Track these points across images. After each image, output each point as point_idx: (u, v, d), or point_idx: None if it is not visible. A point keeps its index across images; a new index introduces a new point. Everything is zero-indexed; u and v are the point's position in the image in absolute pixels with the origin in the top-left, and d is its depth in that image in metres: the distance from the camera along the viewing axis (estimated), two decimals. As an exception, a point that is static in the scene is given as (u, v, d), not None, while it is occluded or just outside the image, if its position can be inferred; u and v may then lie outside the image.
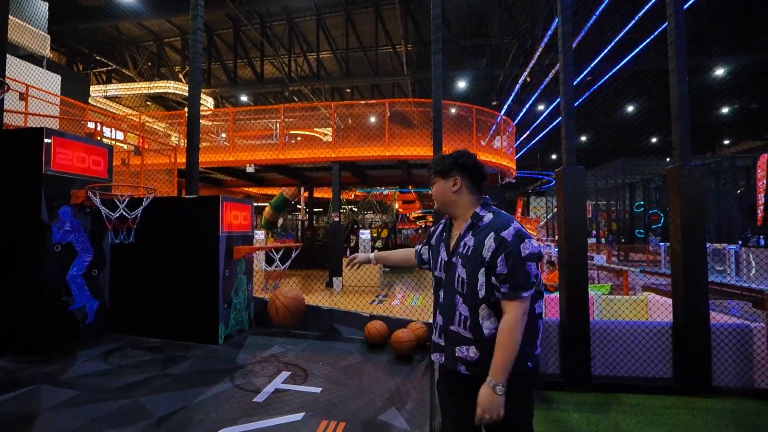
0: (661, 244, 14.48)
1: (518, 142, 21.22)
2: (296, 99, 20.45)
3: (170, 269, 3.45)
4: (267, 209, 16.23)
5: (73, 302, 3.25)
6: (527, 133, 18.73)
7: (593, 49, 12.59)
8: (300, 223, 17.42)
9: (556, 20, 3.79)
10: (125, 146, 9.57)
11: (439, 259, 1.50)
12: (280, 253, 3.87)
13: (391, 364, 3.06)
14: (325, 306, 3.85)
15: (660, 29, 9.96)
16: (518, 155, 22.82)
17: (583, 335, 3.46)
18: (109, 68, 17.97)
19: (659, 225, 18.82)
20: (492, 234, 1.35)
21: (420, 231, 38.83)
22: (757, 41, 12.45)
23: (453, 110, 11.11)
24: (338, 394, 2.48)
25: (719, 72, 14.79)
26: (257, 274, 10.78)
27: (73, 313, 3.25)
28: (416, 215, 36.25)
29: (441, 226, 1.58)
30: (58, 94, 9.92)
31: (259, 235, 14.37)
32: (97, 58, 17.12)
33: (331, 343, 3.52)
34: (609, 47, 11.09)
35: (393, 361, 3.14)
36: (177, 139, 13.47)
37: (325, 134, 13.40)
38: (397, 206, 27.28)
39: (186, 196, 3.44)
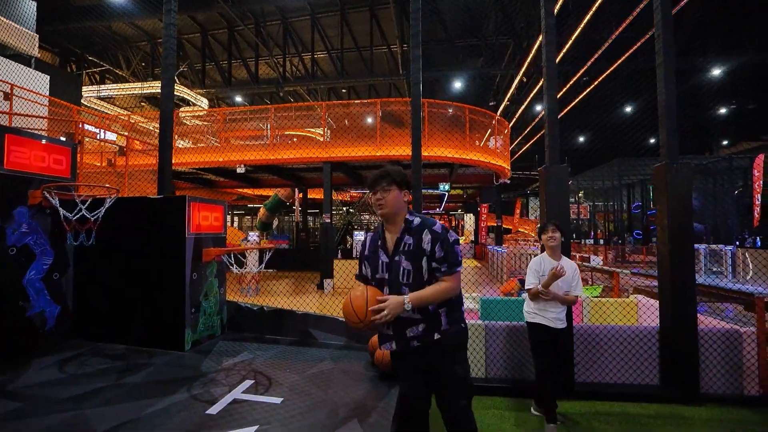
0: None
1: (515, 142, 21.11)
2: (292, 99, 20.35)
3: (136, 272, 3.31)
4: (261, 210, 16.10)
5: (31, 307, 3.10)
6: (524, 133, 18.60)
7: (591, 47, 12.47)
8: (294, 224, 17.28)
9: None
10: (118, 147, 9.45)
11: (380, 263, 1.79)
12: (253, 254, 3.73)
13: (362, 371, 2.93)
14: (299, 310, 3.71)
15: (651, 32, 9.82)
16: (516, 156, 22.72)
17: (568, 340, 3.32)
18: (103, 68, 17.87)
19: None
20: (426, 230, 1.73)
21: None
22: (751, 42, 12.34)
23: (449, 110, 10.99)
24: (300, 405, 2.35)
25: (716, 72, 14.66)
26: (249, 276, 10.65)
27: (31, 319, 3.11)
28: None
29: (369, 237, 1.90)
30: (47, 94, 9.81)
31: (253, 236, 14.26)
32: (90, 58, 17.01)
33: (304, 349, 3.38)
34: (605, 47, 10.95)
35: (365, 367, 3.01)
36: (175, 139, 13.36)
37: (321, 135, 13.30)
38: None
39: (151, 197, 3.31)
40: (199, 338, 3.37)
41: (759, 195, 10.64)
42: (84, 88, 16.39)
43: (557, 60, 11.14)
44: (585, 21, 10.11)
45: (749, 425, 2.89)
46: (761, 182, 10.61)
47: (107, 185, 2.98)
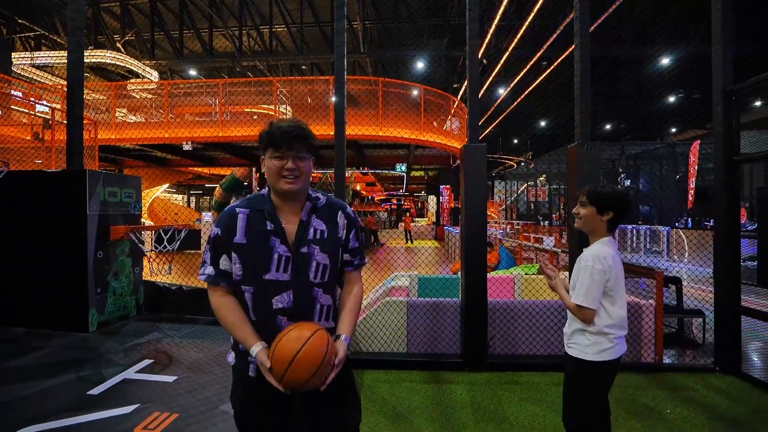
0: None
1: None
2: (251, 75, 19.51)
3: (35, 251, 3.11)
4: (217, 190, 15.57)
5: None
6: (485, 116, 18.81)
7: (547, 32, 12.64)
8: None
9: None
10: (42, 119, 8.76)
11: (275, 257, 1.22)
12: (169, 233, 3.60)
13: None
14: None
15: (604, 16, 10.06)
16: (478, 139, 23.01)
17: (481, 315, 3.45)
18: (38, 34, 16.35)
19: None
20: (340, 213, 1.34)
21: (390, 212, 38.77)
22: (696, 33, 12.90)
23: (405, 90, 10.90)
24: (192, 383, 2.31)
25: (665, 61, 15.29)
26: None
27: None
28: (381, 198, 36.26)
29: (242, 215, 1.26)
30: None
31: (208, 216, 13.82)
32: (21, 22, 15.48)
33: (221, 328, 3.32)
34: (555, 34, 11.11)
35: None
36: (123, 114, 12.54)
37: (284, 113, 12.86)
38: (358, 188, 27.03)
39: (48, 170, 3.09)
40: (107, 319, 3.24)
41: (693, 179, 11.30)
42: (16, 54, 15.01)
43: (512, 45, 11.12)
44: (539, 5, 10.19)
45: (638, 390, 3.13)
46: (696, 167, 11.27)
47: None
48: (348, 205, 1.41)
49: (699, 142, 11.16)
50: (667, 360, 3.76)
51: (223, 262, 1.26)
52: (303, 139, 1.24)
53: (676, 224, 12.75)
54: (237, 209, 1.28)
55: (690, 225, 11.89)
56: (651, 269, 3.70)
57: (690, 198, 11.28)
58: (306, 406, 1.30)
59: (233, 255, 1.24)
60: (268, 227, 1.24)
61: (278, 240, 1.24)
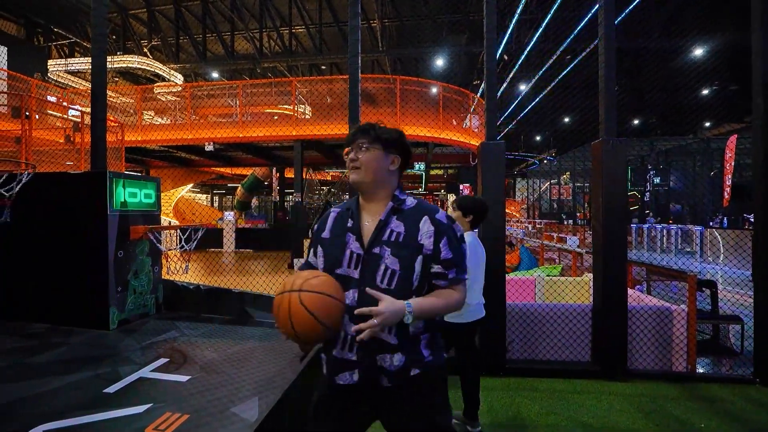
0: (633, 225, 14.52)
1: (498, 122, 20.91)
2: (271, 76, 19.78)
3: (59, 250, 3.21)
4: (239, 190, 15.87)
5: (-54, 286, 3.01)
6: (506, 113, 18.41)
7: (571, 25, 12.23)
8: (272, 204, 17.09)
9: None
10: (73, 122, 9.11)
11: (347, 253, 1.22)
12: (187, 233, 3.65)
13: (286, 350, 2.90)
14: (236, 288, 3.66)
15: (632, 5, 9.63)
16: (499, 136, 22.57)
17: (499, 319, 3.33)
18: (71, 41, 17.09)
19: (636, 207, 18.92)
20: (426, 218, 1.22)
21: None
22: (730, 22, 12.19)
23: (424, 88, 10.77)
24: (205, 383, 2.32)
25: (698, 52, 14.54)
26: (228, 256, 10.57)
27: (-53, 298, 3.02)
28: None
29: (333, 214, 1.32)
30: (4, 66, 9.34)
31: (229, 216, 14.11)
32: (56, 30, 16.21)
33: (236, 328, 3.35)
34: (581, 25, 10.72)
35: (291, 346, 2.99)
36: (150, 116, 12.96)
37: (303, 113, 12.95)
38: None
39: (71, 172, 3.18)
40: (127, 317, 3.31)
41: (729, 176, 10.71)
42: (51, 62, 15.73)
43: (535, 38, 10.82)
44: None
45: (668, 401, 2.95)
46: (732, 163, 10.67)
47: (23, 161, 2.84)
48: (439, 211, 1.26)
49: (736, 136, 10.53)
50: (700, 369, 3.55)
51: (311, 256, 1.34)
52: (366, 132, 1.27)
53: (711, 223, 12.10)
54: (333, 208, 1.36)
55: (726, 224, 11.26)
56: (683, 272, 3.49)
57: (726, 196, 10.68)
58: (380, 411, 1.25)
59: (319, 249, 1.30)
60: (348, 224, 1.27)
61: (353, 237, 1.23)
